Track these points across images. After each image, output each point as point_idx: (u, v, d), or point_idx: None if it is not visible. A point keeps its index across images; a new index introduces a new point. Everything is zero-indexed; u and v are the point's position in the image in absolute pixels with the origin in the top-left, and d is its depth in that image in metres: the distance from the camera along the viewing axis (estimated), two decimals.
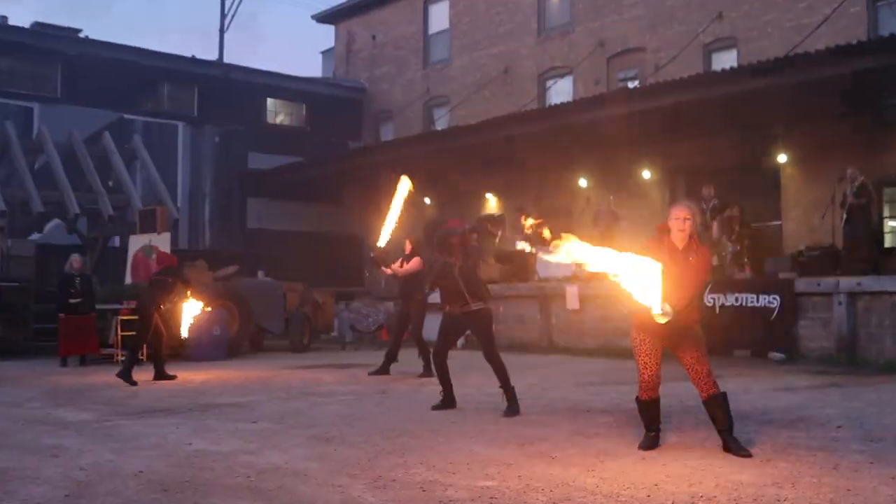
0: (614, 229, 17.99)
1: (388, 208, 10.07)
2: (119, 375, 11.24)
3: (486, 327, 8.28)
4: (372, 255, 11.26)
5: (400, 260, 11.88)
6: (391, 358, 11.96)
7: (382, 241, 10.18)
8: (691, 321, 6.03)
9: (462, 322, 8.36)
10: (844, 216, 14.50)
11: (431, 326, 17.18)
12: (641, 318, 5.96)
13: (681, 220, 6.02)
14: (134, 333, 12.37)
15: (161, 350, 12.04)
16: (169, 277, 11.94)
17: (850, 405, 8.31)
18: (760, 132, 17.54)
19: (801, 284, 13.42)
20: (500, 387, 8.13)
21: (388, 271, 11.65)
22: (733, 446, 5.94)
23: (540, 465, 5.68)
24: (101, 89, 23.29)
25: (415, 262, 11.77)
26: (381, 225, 10.20)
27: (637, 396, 6.33)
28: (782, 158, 17.61)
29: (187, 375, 12.33)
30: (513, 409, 7.96)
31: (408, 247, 11.95)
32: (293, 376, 12.19)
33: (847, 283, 13.01)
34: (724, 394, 6.12)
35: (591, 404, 8.69)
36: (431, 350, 11.89)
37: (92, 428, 7.57)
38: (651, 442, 6.23)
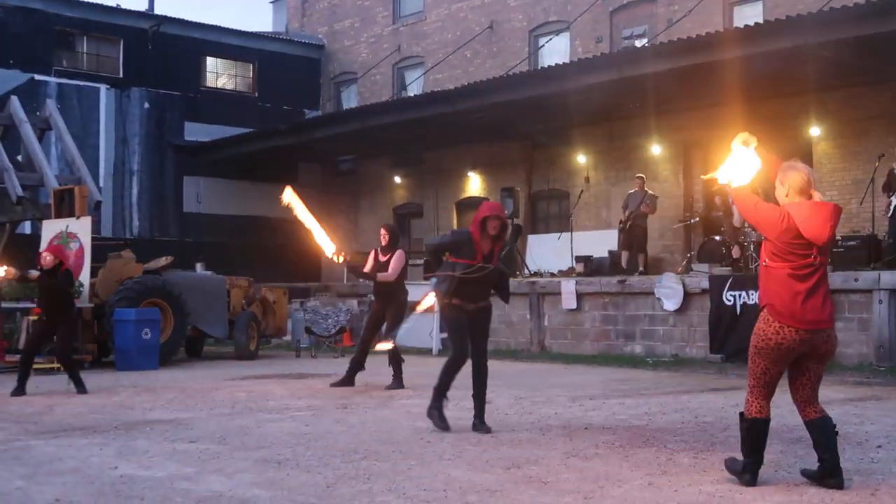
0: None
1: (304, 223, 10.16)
2: (78, 392, 11.48)
3: (489, 325, 8.66)
4: (344, 261, 11.21)
5: (374, 251, 11.90)
6: (357, 366, 11.96)
7: (329, 252, 10.25)
8: None
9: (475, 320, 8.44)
10: (894, 200, 14.62)
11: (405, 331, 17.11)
12: None
13: None
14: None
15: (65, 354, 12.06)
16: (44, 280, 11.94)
17: (892, 421, 8.43)
18: (789, 101, 17.68)
19: (836, 279, 13.54)
20: (473, 396, 8.32)
21: (370, 277, 11.70)
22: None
23: (529, 492, 5.73)
24: (7, 45, 23.09)
25: (399, 258, 11.77)
26: (311, 238, 10.30)
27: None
28: (815, 132, 17.77)
29: (111, 387, 12.30)
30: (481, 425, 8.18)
31: (384, 237, 11.93)
32: (238, 388, 12.18)
33: (890, 277, 13.16)
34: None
35: (590, 421, 8.76)
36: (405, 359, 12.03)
37: None
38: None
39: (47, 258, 11.91)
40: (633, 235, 18.10)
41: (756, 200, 6.04)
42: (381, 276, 11.57)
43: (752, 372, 5.88)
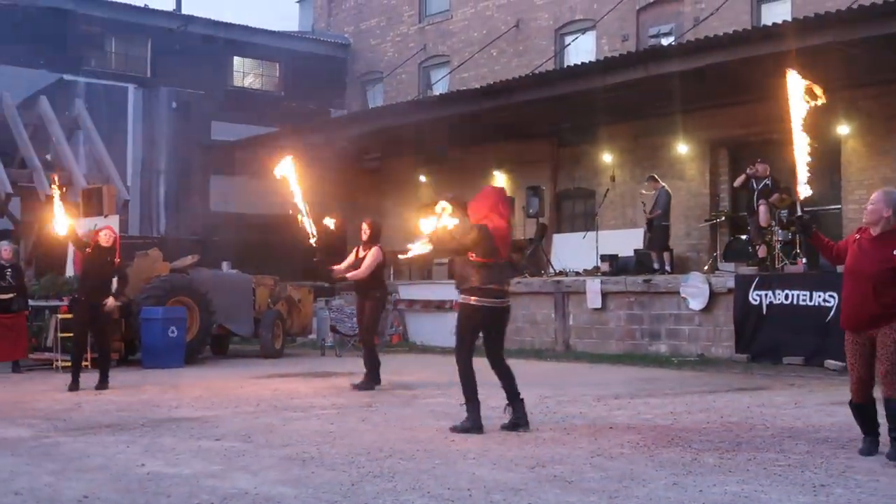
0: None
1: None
2: (97, 388, 11.70)
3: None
4: (315, 260, 11.20)
5: (356, 248, 11.83)
6: (373, 364, 11.82)
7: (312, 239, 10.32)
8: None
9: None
10: None
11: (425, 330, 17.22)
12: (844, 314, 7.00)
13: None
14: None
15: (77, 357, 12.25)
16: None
17: None
18: (818, 99, 17.53)
19: None
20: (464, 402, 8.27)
21: (341, 274, 11.63)
22: None
23: (553, 491, 5.73)
24: (36, 45, 23.28)
25: (374, 256, 11.61)
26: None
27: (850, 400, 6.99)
28: (843, 130, 17.63)
29: (138, 385, 12.39)
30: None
31: (365, 231, 11.85)
32: (263, 387, 12.24)
33: None
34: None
35: (615, 420, 8.75)
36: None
37: (27, 446, 7.62)
38: (868, 446, 6.84)
39: (110, 237, 12.01)
40: (652, 236, 18.12)
41: None
42: (351, 274, 11.46)
43: None
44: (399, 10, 27.85)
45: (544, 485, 5.92)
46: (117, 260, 12.21)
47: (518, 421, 8.06)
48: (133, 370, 14.67)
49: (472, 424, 7.96)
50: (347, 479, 6.14)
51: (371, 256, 11.59)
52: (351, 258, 11.79)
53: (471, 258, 8.07)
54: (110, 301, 12.03)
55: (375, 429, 8.32)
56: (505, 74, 22.46)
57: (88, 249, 12.12)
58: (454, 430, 7.96)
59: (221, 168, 26.09)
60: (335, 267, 11.57)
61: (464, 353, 8.17)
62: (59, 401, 10.76)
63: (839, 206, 17.85)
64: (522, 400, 8.17)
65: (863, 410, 6.88)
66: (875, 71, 16.07)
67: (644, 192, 18.68)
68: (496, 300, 8.12)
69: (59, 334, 14.79)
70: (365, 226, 11.90)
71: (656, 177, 18.52)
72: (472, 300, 8.05)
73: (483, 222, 8.10)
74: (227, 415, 9.41)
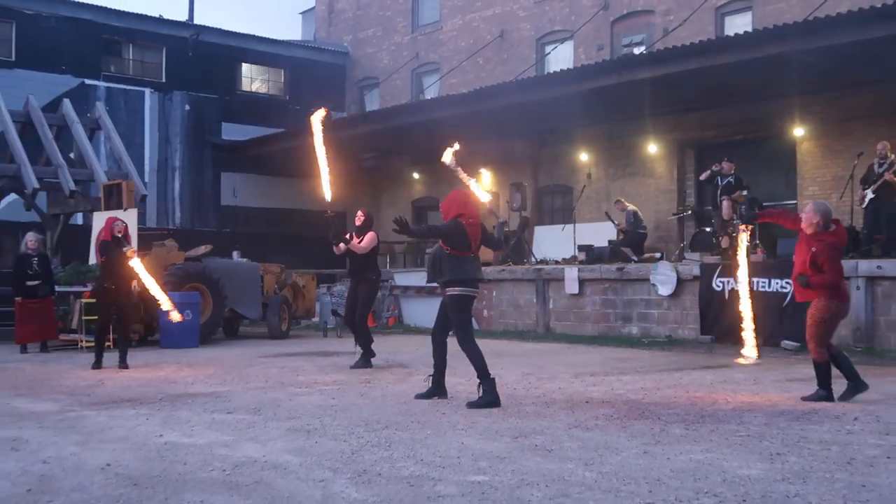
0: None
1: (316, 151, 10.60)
2: (120, 367, 11.63)
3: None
4: (333, 217, 11.21)
5: (351, 233, 11.75)
6: (367, 345, 11.72)
7: (328, 196, 10.46)
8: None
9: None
10: (868, 194, 14.54)
11: (418, 313, 17.21)
12: None
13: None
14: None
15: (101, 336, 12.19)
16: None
17: (867, 397, 8.41)
18: (776, 103, 17.61)
19: None
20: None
21: (342, 247, 11.56)
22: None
23: (535, 459, 5.76)
24: (60, 52, 23.17)
25: (371, 237, 11.60)
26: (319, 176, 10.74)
27: None
28: (799, 132, 17.70)
29: (156, 363, 12.38)
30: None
31: (359, 218, 11.82)
32: (271, 365, 12.25)
33: (866, 266, 13.12)
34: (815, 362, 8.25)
35: (591, 395, 8.78)
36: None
37: (54, 419, 7.61)
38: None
39: (121, 225, 11.87)
40: (629, 239, 18.19)
41: None
42: (353, 245, 11.42)
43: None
44: (394, 21, 27.79)
45: (526, 453, 5.95)
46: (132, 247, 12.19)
47: (437, 393, 8.53)
48: (152, 350, 14.66)
49: (492, 399, 7.98)
50: (348, 448, 6.16)
51: (370, 237, 11.61)
52: (354, 243, 11.73)
53: (446, 251, 8.22)
54: (135, 283, 12.04)
55: (373, 403, 8.34)
56: (490, 80, 22.45)
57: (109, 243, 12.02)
58: (471, 406, 7.93)
59: (231, 165, 26.05)
60: (340, 244, 11.50)
61: (470, 339, 8.22)
62: (83, 378, 10.75)
63: (795, 202, 17.92)
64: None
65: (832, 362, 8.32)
66: (829, 78, 16.13)
67: (611, 217, 18.76)
68: (475, 290, 8.34)
69: (84, 317, 14.78)
70: (359, 213, 11.92)
71: (622, 200, 18.66)
72: (470, 291, 8.24)
73: (458, 220, 8.26)
74: (238, 390, 9.42)
